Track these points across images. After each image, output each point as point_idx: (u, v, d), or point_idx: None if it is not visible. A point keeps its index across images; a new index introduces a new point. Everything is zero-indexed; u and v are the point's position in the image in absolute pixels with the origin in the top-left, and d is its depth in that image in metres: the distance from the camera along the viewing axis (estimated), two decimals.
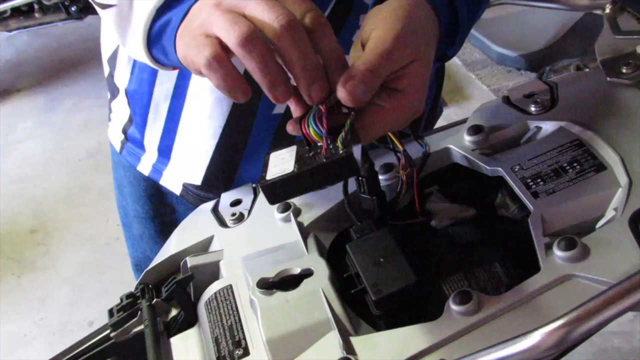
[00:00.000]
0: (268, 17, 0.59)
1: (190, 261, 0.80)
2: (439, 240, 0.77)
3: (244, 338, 0.70)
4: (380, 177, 0.80)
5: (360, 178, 0.75)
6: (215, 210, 0.86)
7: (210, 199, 0.96)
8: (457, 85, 3.19)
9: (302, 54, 0.60)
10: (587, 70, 0.98)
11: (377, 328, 0.68)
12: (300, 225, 0.78)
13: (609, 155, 0.74)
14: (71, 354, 0.82)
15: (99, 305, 0.85)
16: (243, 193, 0.87)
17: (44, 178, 2.82)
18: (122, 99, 1.09)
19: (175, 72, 0.96)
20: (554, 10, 1.96)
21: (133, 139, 1.11)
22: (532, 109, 0.83)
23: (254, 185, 0.88)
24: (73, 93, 3.52)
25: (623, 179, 0.71)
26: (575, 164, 0.74)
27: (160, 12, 0.71)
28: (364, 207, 0.78)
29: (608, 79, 0.83)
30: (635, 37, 0.82)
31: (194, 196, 1.08)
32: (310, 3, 0.63)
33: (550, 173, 0.74)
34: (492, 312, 0.63)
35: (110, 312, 0.83)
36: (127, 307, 0.82)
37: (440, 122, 0.89)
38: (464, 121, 0.84)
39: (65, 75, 3.70)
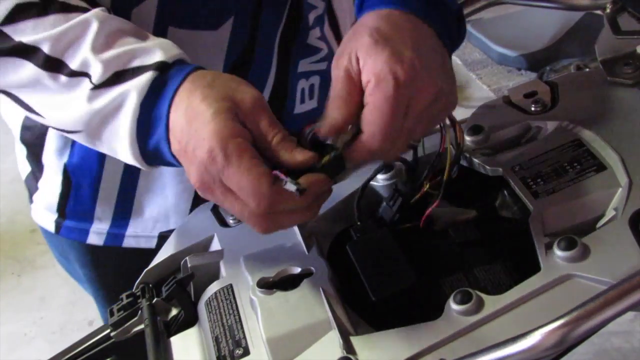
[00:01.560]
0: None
1: (191, 261, 0.80)
2: (439, 240, 0.77)
3: (244, 337, 0.70)
4: (380, 176, 0.81)
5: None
6: (215, 210, 0.85)
7: None
8: (457, 85, 3.19)
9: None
10: (587, 70, 0.98)
11: (377, 328, 0.68)
12: (300, 225, 0.78)
13: (609, 155, 0.74)
14: (71, 354, 0.83)
15: None
16: None
17: None
18: (53, 176, 1.01)
19: None
20: (554, 10, 1.96)
21: (74, 215, 1.04)
22: (533, 108, 0.83)
23: None
24: None
25: (623, 179, 0.71)
26: (575, 164, 0.74)
27: (141, 136, 0.69)
28: (381, 214, 0.78)
29: (608, 78, 0.83)
30: (635, 37, 0.82)
31: None
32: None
33: (551, 173, 0.74)
34: (492, 311, 0.63)
35: (111, 312, 0.83)
36: (128, 307, 0.82)
37: None
38: (464, 121, 0.84)
39: None
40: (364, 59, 0.67)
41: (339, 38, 1.02)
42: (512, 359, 0.55)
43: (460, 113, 0.81)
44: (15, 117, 1.00)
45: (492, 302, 0.64)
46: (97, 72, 0.68)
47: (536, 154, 0.77)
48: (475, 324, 0.63)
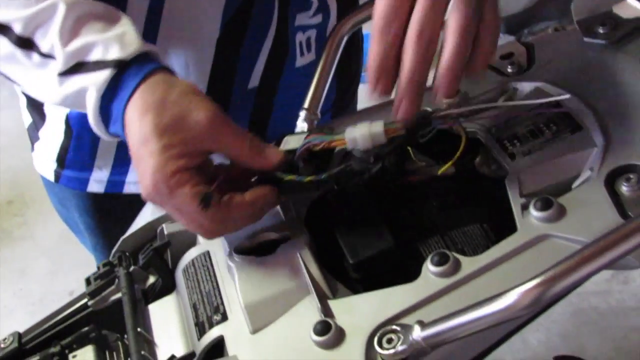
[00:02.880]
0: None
1: (167, 228, 0.79)
2: (417, 202, 0.76)
3: (222, 303, 0.70)
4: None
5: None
6: None
7: None
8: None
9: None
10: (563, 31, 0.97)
11: (355, 291, 0.68)
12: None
13: (585, 116, 0.74)
14: (49, 323, 0.82)
15: (78, 274, 0.85)
16: (218, 161, 0.85)
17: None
18: (54, 126, 1.04)
19: None
20: None
21: (74, 164, 1.06)
22: (509, 70, 0.83)
23: None
24: None
25: (599, 139, 0.71)
26: (551, 125, 0.74)
27: (104, 123, 0.72)
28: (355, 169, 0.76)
29: (585, 39, 0.83)
30: None
31: None
32: None
33: (527, 134, 0.74)
34: (469, 273, 0.63)
35: (88, 281, 0.82)
36: (105, 275, 0.81)
37: None
38: None
39: None
40: None
41: None
42: (489, 319, 0.55)
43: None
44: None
45: (469, 264, 0.64)
46: (60, 60, 0.70)
47: (512, 115, 0.77)
48: (452, 286, 0.63)
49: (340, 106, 1.21)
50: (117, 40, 0.70)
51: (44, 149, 1.09)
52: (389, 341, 0.60)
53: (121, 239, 0.82)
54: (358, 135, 0.66)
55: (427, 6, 0.62)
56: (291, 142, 0.73)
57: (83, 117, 0.94)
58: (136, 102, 0.67)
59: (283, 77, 1.02)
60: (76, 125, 1.01)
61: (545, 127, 0.74)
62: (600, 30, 0.82)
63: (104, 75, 0.68)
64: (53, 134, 1.05)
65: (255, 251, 0.71)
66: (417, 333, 0.58)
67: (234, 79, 1.00)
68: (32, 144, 1.11)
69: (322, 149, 0.69)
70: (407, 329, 0.60)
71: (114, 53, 0.69)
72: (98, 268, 0.82)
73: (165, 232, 0.79)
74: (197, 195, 0.64)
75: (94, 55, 0.70)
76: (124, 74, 0.69)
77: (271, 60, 1.00)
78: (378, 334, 0.61)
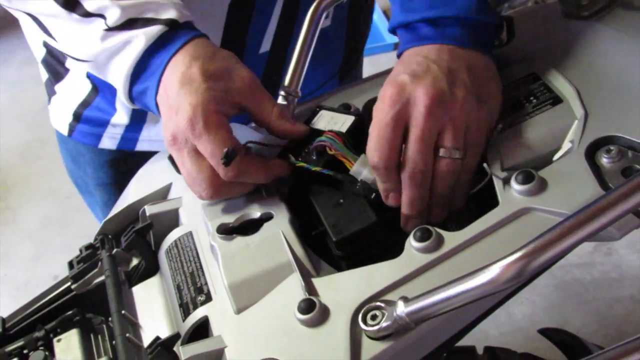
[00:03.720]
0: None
1: (149, 209, 0.79)
2: None
3: (206, 284, 0.69)
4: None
5: None
6: (172, 158, 0.84)
7: None
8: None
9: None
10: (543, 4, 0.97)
11: (339, 269, 0.68)
12: None
13: (565, 88, 0.74)
14: (33, 308, 0.82)
15: (63, 258, 0.84)
16: None
17: (3, 133, 2.76)
18: (75, 80, 1.05)
19: None
20: None
21: (89, 119, 1.07)
22: None
23: None
24: (25, 47, 3.43)
25: (579, 111, 0.71)
26: (531, 98, 0.74)
27: (134, 77, 0.76)
28: None
29: (563, 10, 0.83)
30: None
31: None
32: None
33: (507, 107, 0.74)
34: (452, 248, 0.64)
35: (70, 264, 0.82)
36: (87, 259, 0.81)
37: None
38: None
39: (16, 29, 3.60)
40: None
41: None
42: (472, 293, 0.55)
43: None
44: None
45: (452, 239, 0.64)
46: (113, 15, 0.75)
47: None
48: (435, 261, 0.63)
49: (346, 69, 1.22)
50: (171, 5, 0.76)
51: (61, 103, 1.10)
52: (373, 317, 0.60)
53: (103, 221, 0.82)
54: (364, 172, 0.71)
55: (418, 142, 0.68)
56: (321, 122, 0.77)
57: None
58: (187, 51, 0.73)
59: (293, 42, 1.00)
60: (98, 81, 1.03)
61: (526, 100, 0.74)
62: (580, 3, 0.82)
63: (157, 28, 0.74)
64: (73, 89, 1.07)
65: (238, 231, 0.71)
66: (401, 309, 0.58)
67: (246, 43, 1.00)
68: (49, 97, 1.13)
69: (334, 155, 0.72)
70: (391, 305, 0.60)
71: (169, 14, 0.75)
72: (80, 251, 0.82)
73: (147, 214, 0.79)
74: (226, 143, 0.69)
75: (149, 14, 0.75)
76: (176, 31, 0.75)
77: (282, 25, 1.01)
78: (362, 311, 0.61)
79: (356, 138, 0.74)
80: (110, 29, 0.75)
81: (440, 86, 0.68)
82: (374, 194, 0.71)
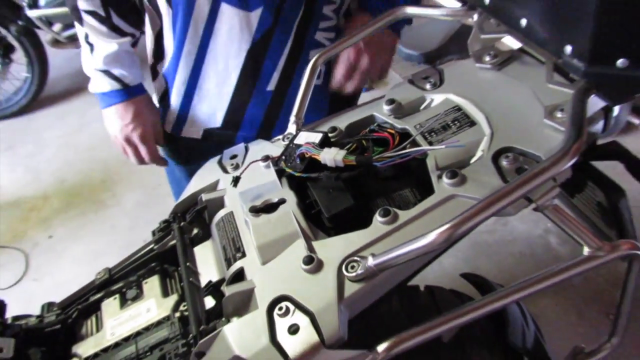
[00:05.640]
0: None
1: (205, 196, 0.78)
2: (370, 176, 0.75)
3: (242, 245, 0.69)
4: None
5: None
6: (219, 162, 0.83)
7: (228, 135, 1.02)
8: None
9: None
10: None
11: (330, 235, 0.67)
12: (276, 170, 0.76)
13: (478, 115, 0.73)
14: (129, 261, 0.81)
15: (150, 228, 0.84)
16: (238, 150, 0.84)
17: (108, 146, 2.73)
18: (156, 82, 1.05)
19: (195, 50, 0.95)
20: (442, 21, 1.94)
21: (161, 109, 1.07)
22: (427, 86, 0.81)
23: (245, 145, 0.85)
24: None
25: (487, 130, 0.70)
26: (456, 122, 0.74)
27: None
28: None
29: (477, 64, 0.82)
30: (494, 35, 0.80)
31: (217, 135, 1.04)
32: None
33: (440, 128, 0.73)
34: (404, 221, 0.63)
35: (153, 233, 0.81)
36: (164, 229, 0.80)
37: (368, 98, 0.89)
38: (383, 96, 0.82)
39: None
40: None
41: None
42: (418, 251, 0.55)
43: (381, 92, 0.80)
44: (149, 40, 1.04)
45: (404, 215, 0.63)
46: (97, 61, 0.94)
47: (430, 116, 0.76)
48: (392, 230, 0.62)
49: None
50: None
51: (154, 95, 1.09)
52: (352, 267, 0.59)
53: (174, 204, 0.81)
54: (328, 158, 0.69)
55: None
56: (301, 139, 0.75)
57: (166, 77, 1.02)
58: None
59: (293, 83, 1.00)
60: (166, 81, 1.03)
61: (452, 123, 0.74)
62: (487, 59, 0.81)
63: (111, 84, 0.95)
64: (155, 87, 1.06)
65: (263, 210, 0.70)
66: (371, 261, 0.58)
67: (256, 83, 0.98)
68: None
69: (310, 157, 0.71)
70: (364, 259, 0.59)
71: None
72: (159, 224, 0.81)
73: (203, 199, 0.78)
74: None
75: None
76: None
77: (285, 70, 0.98)
78: (345, 263, 0.60)
79: (323, 147, 0.73)
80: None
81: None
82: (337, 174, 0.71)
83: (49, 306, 0.78)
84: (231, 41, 0.92)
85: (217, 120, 1.02)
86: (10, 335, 0.69)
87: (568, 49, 0.58)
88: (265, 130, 1.03)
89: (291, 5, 0.91)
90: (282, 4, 0.90)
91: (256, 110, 1.00)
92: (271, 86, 0.99)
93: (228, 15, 0.89)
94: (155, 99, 1.07)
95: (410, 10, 0.84)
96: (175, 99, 1.02)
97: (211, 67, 0.96)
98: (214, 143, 1.04)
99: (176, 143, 1.08)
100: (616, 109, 0.70)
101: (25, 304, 1.93)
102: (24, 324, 0.73)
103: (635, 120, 0.76)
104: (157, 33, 0.97)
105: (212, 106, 1.00)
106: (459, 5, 0.84)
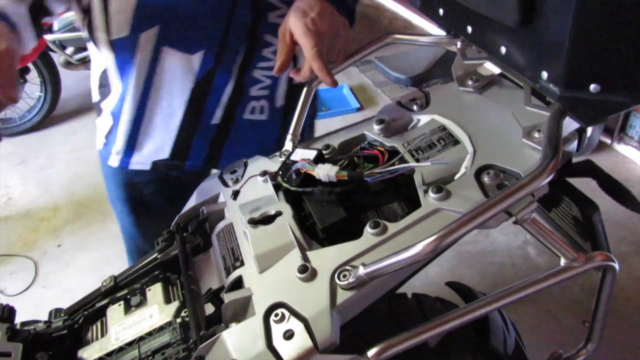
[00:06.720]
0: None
1: (206, 209, 0.78)
2: (361, 191, 0.75)
3: (241, 255, 0.68)
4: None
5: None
6: (220, 177, 0.83)
7: (177, 165, 0.97)
8: (370, 96, 3.18)
9: None
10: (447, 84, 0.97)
11: (323, 245, 0.67)
12: (273, 184, 0.76)
13: (461, 134, 0.73)
14: (134, 269, 0.80)
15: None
16: (238, 165, 0.84)
17: None
18: (104, 117, 0.99)
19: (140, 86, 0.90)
20: (428, 48, 1.96)
21: (106, 145, 1.01)
22: (414, 108, 0.82)
23: (245, 160, 0.85)
24: None
25: (470, 149, 0.71)
26: (441, 140, 0.74)
27: None
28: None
29: (460, 88, 0.83)
30: (476, 61, 0.81)
31: (165, 165, 0.99)
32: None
33: (426, 147, 0.74)
34: (393, 232, 0.63)
35: (157, 242, 0.80)
36: (168, 239, 0.79)
37: (359, 118, 0.89)
38: (373, 117, 0.83)
39: None
40: (292, 27, 0.76)
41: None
42: (406, 260, 0.55)
43: (372, 113, 0.80)
44: (95, 73, 0.98)
45: (393, 227, 0.63)
46: None
47: (417, 136, 0.76)
48: (382, 241, 0.62)
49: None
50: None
51: (99, 132, 1.02)
52: (344, 276, 0.59)
53: (177, 216, 0.80)
54: (322, 173, 0.69)
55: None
56: (297, 155, 0.75)
57: (115, 113, 0.95)
58: None
59: (237, 117, 0.96)
60: (114, 118, 0.98)
61: (437, 142, 0.74)
62: (470, 82, 0.82)
63: None
64: (102, 123, 1.00)
65: (261, 222, 0.70)
66: (361, 270, 0.58)
67: (201, 119, 0.94)
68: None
69: (305, 172, 0.71)
70: (355, 268, 0.59)
71: None
72: (163, 234, 0.80)
73: (205, 212, 0.77)
74: None
75: None
76: None
77: (229, 105, 0.94)
78: (337, 272, 0.60)
79: (317, 163, 0.73)
80: None
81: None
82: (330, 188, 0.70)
83: (56, 312, 0.77)
84: (174, 81, 0.89)
85: (165, 153, 0.98)
86: (19, 340, 0.67)
87: (544, 74, 0.59)
88: (213, 159, 1.00)
89: (232, 48, 0.88)
90: (222, 48, 0.87)
91: (202, 142, 0.97)
92: (215, 120, 0.95)
93: (170, 58, 0.86)
94: (101, 134, 1.02)
95: (400, 37, 0.85)
96: (121, 136, 0.97)
97: (156, 105, 0.92)
98: (161, 173, 1.01)
99: (125, 176, 1.04)
100: (589, 130, 0.71)
101: (34, 309, 1.91)
102: (32, 329, 0.72)
103: (607, 140, 0.76)
104: (102, 72, 0.93)
105: (159, 140, 0.96)
106: (443, 33, 0.85)
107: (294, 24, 0.76)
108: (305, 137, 1.12)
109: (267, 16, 0.87)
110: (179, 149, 0.97)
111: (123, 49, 0.86)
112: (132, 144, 0.98)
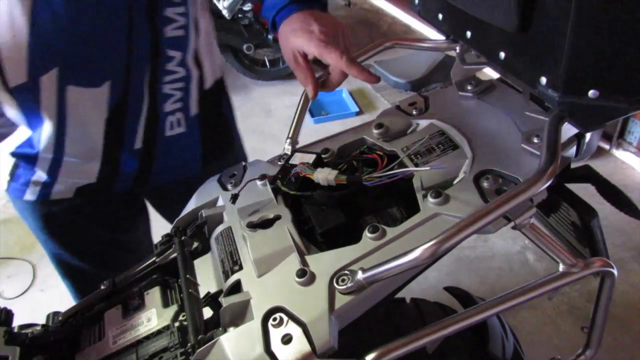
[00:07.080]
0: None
1: (205, 212, 0.77)
2: (360, 195, 0.75)
3: (239, 259, 0.68)
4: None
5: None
6: (219, 181, 0.83)
7: (103, 189, 0.95)
8: (369, 101, 3.19)
9: None
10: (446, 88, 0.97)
11: (322, 249, 0.67)
12: (272, 188, 0.76)
13: (460, 139, 0.74)
14: (132, 272, 0.80)
15: (153, 241, 0.83)
16: (237, 169, 0.84)
17: None
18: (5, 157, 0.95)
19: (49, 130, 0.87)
20: (428, 53, 1.96)
21: (17, 179, 0.95)
22: (414, 112, 0.82)
23: (244, 163, 0.85)
24: None
25: (469, 154, 0.71)
26: (440, 145, 0.74)
27: None
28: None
29: (459, 93, 0.83)
30: (475, 66, 0.81)
31: (91, 190, 0.96)
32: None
33: (425, 151, 0.74)
34: (391, 237, 0.63)
35: (155, 246, 0.80)
36: (166, 242, 0.79)
37: (358, 122, 0.89)
38: (373, 121, 0.83)
39: None
40: (305, 48, 0.77)
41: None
42: (404, 265, 0.55)
43: (371, 117, 0.80)
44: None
45: (391, 232, 0.63)
46: None
47: (416, 140, 0.76)
48: (381, 245, 0.62)
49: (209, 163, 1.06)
50: None
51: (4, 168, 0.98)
52: (343, 280, 0.59)
53: (176, 219, 0.80)
54: (321, 177, 0.69)
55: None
56: (296, 159, 0.75)
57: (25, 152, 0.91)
58: None
59: (159, 140, 0.95)
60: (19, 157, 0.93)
61: (436, 147, 0.74)
62: (469, 87, 0.82)
63: None
64: (5, 162, 0.95)
65: (259, 226, 0.70)
66: (360, 275, 0.58)
67: (120, 148, 0.93)
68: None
69: (304, 176, 0.71)
70: (353, 272, 0.59)
71: None
72: (162, 238, 0.80)
73: (203, 215, 0.77)
74: None
75: None
76: None
77: (147, 130, 0.92)
78: (336, 276, 0.60)
79: (316, 167, 0.73)
80: None
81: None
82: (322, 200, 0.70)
83: (54, 315, 0.77)
84: (87, 116, 0.87)
85: (91, 178, 0.95)
86: (16, 343, 0.67)
87: (543, 80, 0.59)
88: (142, 180, 0.98)
89: (138, 69, 0.86)
90: (128, 72, 0.85)
91: (129, 166, 0.95)
92: (138, 145, 0.94)
93: (76, 95, 0.84)
94: (4, 174, 0.96)
95: (399, 41, 0.86)
96: (40, 170, 0.93)
97: (74, 138, 0.89)
98: (87, 199, 0.98)
99: (44, 207, 0.98)
100: (588, 136, 0.71)
101: (32, 313, 1.90)
102: (29, 332, 0.72)
103: (606, 146, 0.76)
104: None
105: (82, 170, 0.94)
106: (443, 38, 0.85)
107: (306, 45, 0.76)
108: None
109: (164, 31, 0.85)
110: (106, 174, 0.95)
111: (25, 94, 0.82)
112: (54, 175, 0.94)
